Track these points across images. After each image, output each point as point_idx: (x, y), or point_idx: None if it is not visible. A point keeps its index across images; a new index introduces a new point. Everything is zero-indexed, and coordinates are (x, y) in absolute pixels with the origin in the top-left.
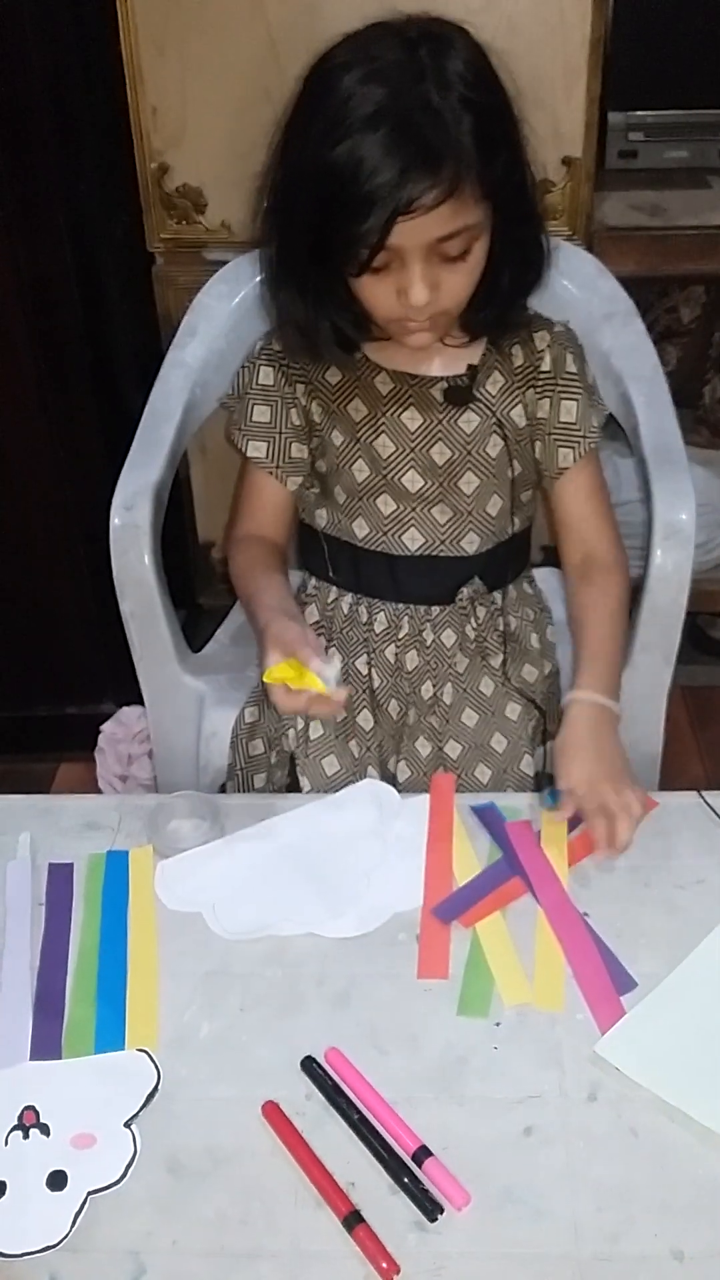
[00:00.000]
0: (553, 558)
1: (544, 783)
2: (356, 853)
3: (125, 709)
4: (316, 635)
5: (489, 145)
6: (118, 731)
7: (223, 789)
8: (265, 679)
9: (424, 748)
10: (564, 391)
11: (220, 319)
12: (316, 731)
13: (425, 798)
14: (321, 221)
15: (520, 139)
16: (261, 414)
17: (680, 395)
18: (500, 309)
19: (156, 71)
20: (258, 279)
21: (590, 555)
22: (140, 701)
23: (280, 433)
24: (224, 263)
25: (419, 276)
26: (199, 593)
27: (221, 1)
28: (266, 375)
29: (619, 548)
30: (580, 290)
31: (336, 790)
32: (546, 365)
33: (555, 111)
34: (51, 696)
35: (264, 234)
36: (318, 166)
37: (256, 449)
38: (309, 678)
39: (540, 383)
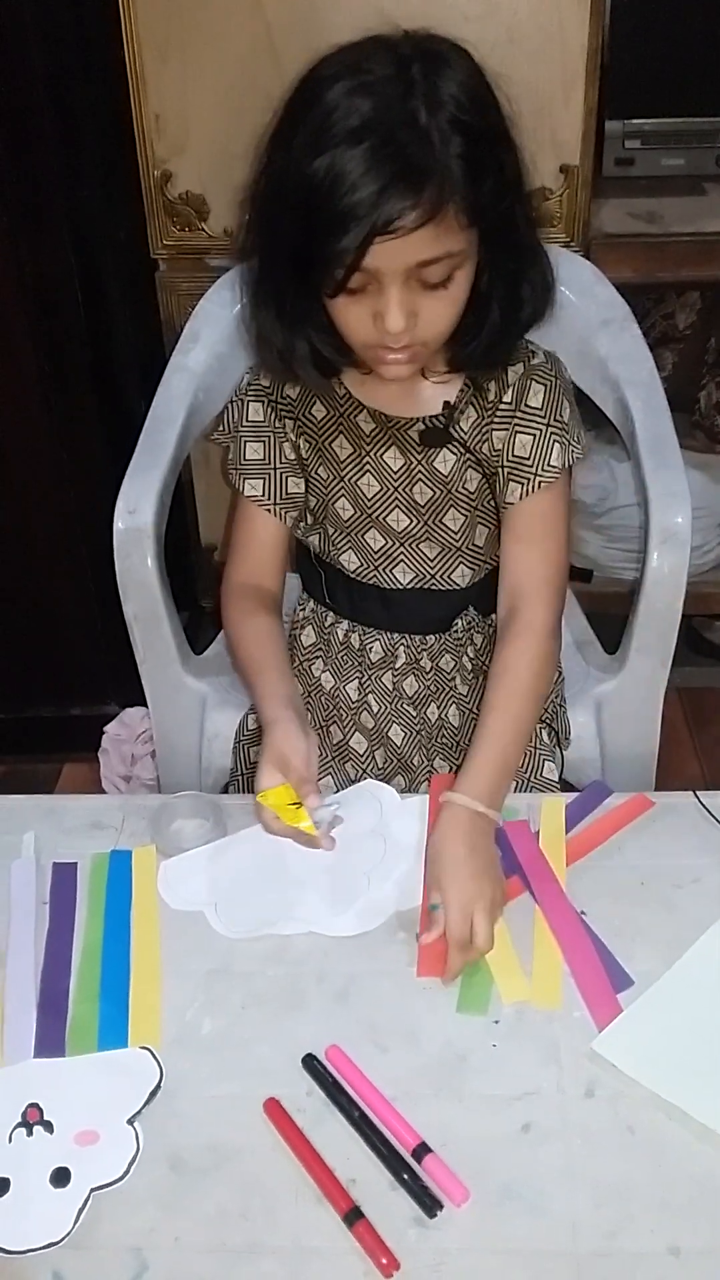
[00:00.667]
0: None
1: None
2: (357, 852)
3: (129, 710)
4: (314, 745)
5: (477, 169)
6: (121, 732)
7: (225, 790)
8: (258, 799)
9: (442, 767)
10: (521, 425)
11: (222, 325)
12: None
13: (424, 798)
14: (301, 237)
15: (516, 166)
16: (254, 451)
17: (676, 400)
18: (489, 345)
19: (159, 78)
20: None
21: (515, 609)
22: (143, 703)
23: (275, 469)
24: (226, 269)
25: (396, 302)
26: (201, 595)
27: (223, 9)
28: (256, 411)
29: (545, 599)
30: (578, 297)
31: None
32: (509, 398)
33: (553, 119)
34: (55, 698)
35: (246, 249)
36: (298, 179)
37: (253, 487)
38: (301, 814)
39: (500, 415)
